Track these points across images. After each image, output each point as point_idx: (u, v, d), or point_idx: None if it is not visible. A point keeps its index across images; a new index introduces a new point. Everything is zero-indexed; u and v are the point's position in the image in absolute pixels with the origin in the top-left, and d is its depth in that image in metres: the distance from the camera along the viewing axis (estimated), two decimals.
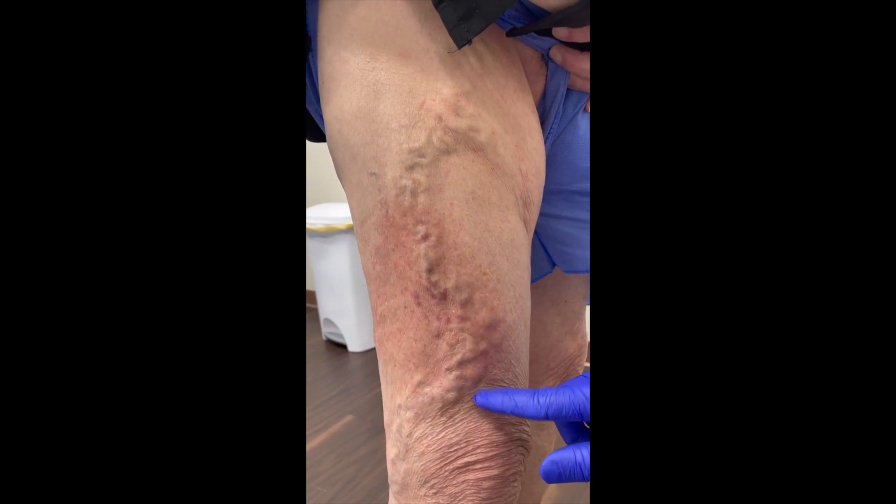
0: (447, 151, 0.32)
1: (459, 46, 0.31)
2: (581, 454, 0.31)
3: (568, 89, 0.39)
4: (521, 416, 0.32)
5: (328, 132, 0.36)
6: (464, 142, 0.32)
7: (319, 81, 0.37)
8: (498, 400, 0.33)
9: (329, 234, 1.87)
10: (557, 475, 0.31)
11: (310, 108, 0.44)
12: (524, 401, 0.32)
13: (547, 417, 0.32)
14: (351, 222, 1.83)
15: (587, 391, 0.31)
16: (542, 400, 0.32)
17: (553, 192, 0.42)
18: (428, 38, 0.32)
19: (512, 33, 0.35)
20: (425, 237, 0.32)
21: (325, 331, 2.10)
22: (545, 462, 0.32)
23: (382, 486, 1.27)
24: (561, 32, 0.35)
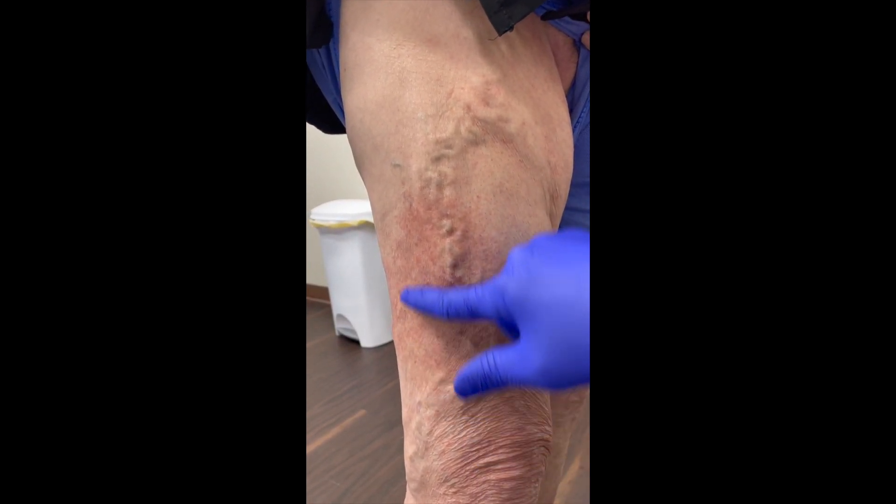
0: (475, 142, 0.31)
1: (500, 33, 0.30)
2: (487, 361, 0.29)
3: None
4: (430, 313, 0.31)
5: (349, 122, 0.35)
6: (493, 132, 0.31)
7: (341, 69, 0.36)
8: (412, 297, 0.32)
9: (342, 230, 1.87)
10: (472, 388, 0.30)
11: (328, 97, 0.43)
12: (432, 297, 0.31)
13: (449, 317, 0.30)
14: (364, 219, 1.83)
15: (503, 281, 0.28)
16: (446, 297, 0.30)
17: (578, 184, 0.41)
18: (458, 23, 0.31)
19: (547, 17, 0.33)
20: (451, 231, 0.31)
21: (338, 327, 2.11)
22: (455, 381, 0.30)
23: (395, 479, 1.27)
24: None
